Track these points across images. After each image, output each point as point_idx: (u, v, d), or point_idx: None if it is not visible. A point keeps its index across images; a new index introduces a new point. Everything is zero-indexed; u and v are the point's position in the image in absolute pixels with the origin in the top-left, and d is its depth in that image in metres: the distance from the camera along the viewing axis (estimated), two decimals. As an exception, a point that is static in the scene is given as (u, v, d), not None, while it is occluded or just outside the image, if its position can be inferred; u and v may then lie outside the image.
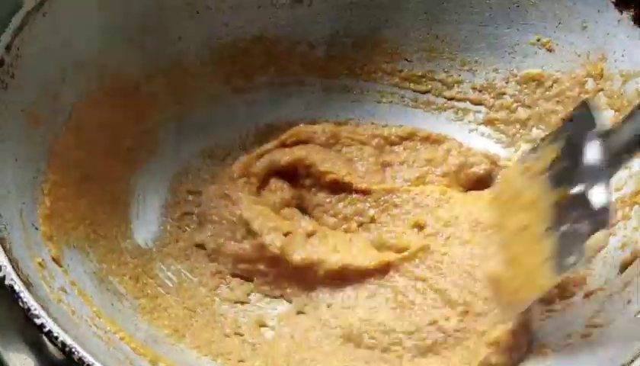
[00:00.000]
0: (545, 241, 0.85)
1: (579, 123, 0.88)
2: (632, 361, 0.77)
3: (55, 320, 0.75)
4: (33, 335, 0.92)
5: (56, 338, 0.74)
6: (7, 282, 0.75)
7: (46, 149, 0.91)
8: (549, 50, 1.04)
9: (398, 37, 1.10)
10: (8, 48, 0.86)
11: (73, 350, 0.73)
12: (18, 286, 0.75)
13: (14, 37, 0.87)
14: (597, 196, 0.81)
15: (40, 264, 0.82)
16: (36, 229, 0.86)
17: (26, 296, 0.75)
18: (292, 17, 1.08)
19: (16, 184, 0.86)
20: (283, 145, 1.06)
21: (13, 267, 0.77)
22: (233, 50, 1.08)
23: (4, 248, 0.78)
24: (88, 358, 0.73)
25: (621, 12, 0.97)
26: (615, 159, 0.82)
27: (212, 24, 1.06)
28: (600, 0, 0.98)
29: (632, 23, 0.96)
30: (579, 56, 1.02)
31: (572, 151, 0.86)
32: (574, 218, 0.83)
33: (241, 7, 1.06)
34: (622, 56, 0.98)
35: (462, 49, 1.09)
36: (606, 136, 0.83)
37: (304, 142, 1.06)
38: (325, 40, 1.10)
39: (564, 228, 0.84)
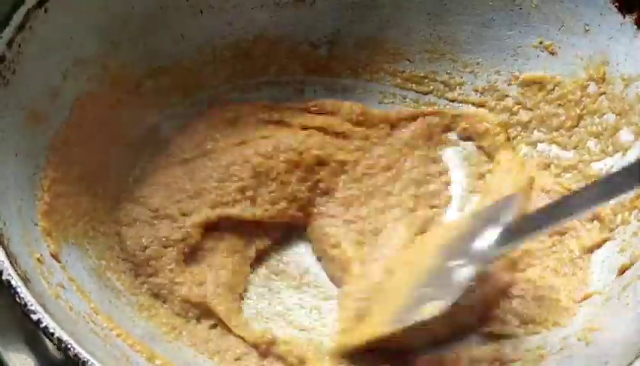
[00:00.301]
0: (405, 297, 0.90)
1: (500, 210, 0.91)
2: (629, 365, 0.77)
3: (52, 316, 0.75)
4: (33, 335, 0.93)
5: (52, 334, 0.74)
6: (4, 277, 0.75)
7: (46, 145, 0.91)
8: (551, 53, 1.04)
9: (400, 38, 1.09)
10: (9, 44, 0.87)
11: (69, 346, 0.73)
12: (15, 281, 0.75)
13: (16, 34, 0.87)
14: (458, 273, 0.87)
15: (38, 260, 0.83)
16: (35, 225, 0.86)
17: (23, 291, 0.75)
18: (295, 16, 1.08)
19: (15, 180, 0.86)
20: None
21: (10, 262, 0.77)
22: (235, 50, 1.08)
23: (2, 243, 0.78)
24: (84, 355, 0.73)
25: (624, 16, 0.97)
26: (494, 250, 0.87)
27: (215, 24, 1.06)
28: (603, 3, 0.98)
29: (635, 26, 0.96)
30: (581, 59, 1.02)
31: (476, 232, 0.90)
32: (435, 283, 0.89)
33: (243, 6, 1.06)
34: (625, 59, 0.98)
35: (464, 51, 1.08)
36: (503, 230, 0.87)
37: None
38: (327, 40, 1.10)
39: (418, 292, 0.89)
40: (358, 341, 0.92)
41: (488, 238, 0.88)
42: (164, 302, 0.94)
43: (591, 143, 1.01)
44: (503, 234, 0.86)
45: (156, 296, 0.95)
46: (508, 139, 1.07)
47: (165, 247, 0.96)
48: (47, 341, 0.83)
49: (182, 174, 1.01)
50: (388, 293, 0.93)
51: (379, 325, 0.90)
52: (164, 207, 0.98)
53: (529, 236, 0.88)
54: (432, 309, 0.85)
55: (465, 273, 0.87)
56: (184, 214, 0.98)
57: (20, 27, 0.88)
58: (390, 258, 0.97)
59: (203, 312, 0.95)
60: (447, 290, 0.86)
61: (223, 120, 1.06)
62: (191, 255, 0.98)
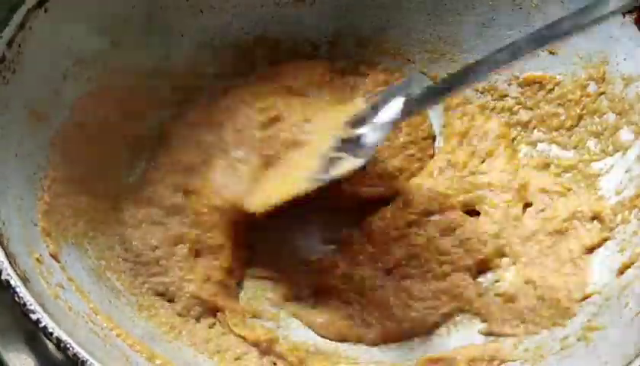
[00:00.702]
0: (317, 159, 0.94)
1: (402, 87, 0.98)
2: (629, 364, 0.77)
3: (51, 316, 0.75)
4: (33, 335, 0.93)
5: (51, 333, 0.74)
6: (3, 277, 0.76)
7: (47, 144, 0.91)
8: (551, 53, 1.04)
9: (401, 38, 1.09)
10: (9, 44, 0.87)
11: (68, 346, 0.73)
12: (14, 281, 0.76)
13: (16, 33, 0.87)
14: (370, 137, 0.92)
15: (37, 259, 0.83)
16: (35, 225, 0.86)
17: (22, 291, 0.75)
18: (295, 16, 1.08)
19: (15, 179, 0.86)
20: None
21: (10, 262, 0.77)
22: (236, 50, 1.08)
23: (1, 243, 0.78)
24: (83, 354, 0.73)
25: (624, 15, 0.96)
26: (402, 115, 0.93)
27: (215, 24, 1.06)
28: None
29: (635, 26, 0.96)
30: (581, 58, 1.02)
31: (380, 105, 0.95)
32: (346, 149, 0.93)
33: (244, 6, 1.06)
34: (624, 59, 0.98)
35: (464, 51, 1.08)
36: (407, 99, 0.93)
37: None
38: (328, 40, 1.10)
39: (334, 154, 0.94)
40: (274, 201, 0.94)
41: (394, 108, 0.92)
42: (171, 300, 0.95)
43: (591, 143, 1.01)
44: (407, 102, 0.92)
45: (161, 295, 0.95)
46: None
47: (176, 244, 0.97)
48: (47, 341, 0.83)
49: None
50: (303, 158, 0.97)
51: (297, 182, 0.94)
52: (175, 204, 0.99)
53: (431, 103, 0.98)
54: (346, 165, 0.91)
55: (372, 137, 0.92)
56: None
57: (21, 27, 0.88)
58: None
59: (208, 309, 0.95)
60: (359, 151, 0.92)
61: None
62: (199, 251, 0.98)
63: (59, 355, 0.92)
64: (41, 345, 0.93)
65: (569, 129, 1.03)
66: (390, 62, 1.10)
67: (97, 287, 0.90)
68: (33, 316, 0.74)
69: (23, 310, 0.75)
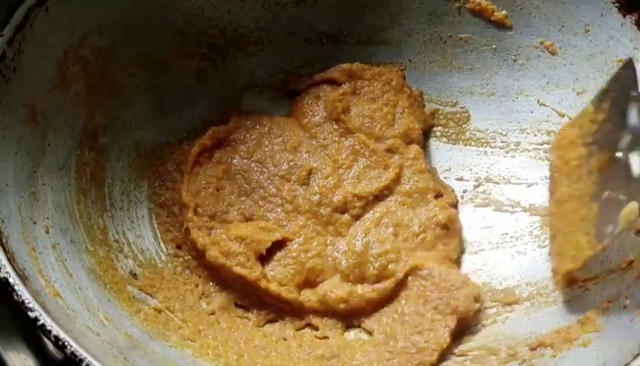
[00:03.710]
0: (589, 209, 0.84)
1: (624, 83, 0.87)
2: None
3: (49, 314, 0.75)
4: (33, 335, 0.93)
5: (49, 331, 0.74)
6: (1, 275, 0.76)
7: (47, 143, 0.92)
8: (552, 53, 1.04)
9: (401, 37, 1.10)
10: (10, 43, 0.87)
11: (66, 344, 0.74)
12: (13, 279, 0.76)
13: (16, 32, 0.88)
14: (636, 162, 0.80)
15: (36, 257, 0.83)
16: (35, 223, 0.86)
17: (20, 289, 0.76)
18: (296, 16, 1.08)
19: (15, 177, 0.86)
20: None
21: (8, 259, 0.77)
22: (236, 49, 1.08)
23: (0, 241, 0.78)
24: (81, 352, 0.73)
25: (624, 16, 0.96)
26: None
27: (216, 23, 1.06)
28: (604, 4, 0.98)
29: (635, 27, 0.96)
30: (582, 59, 1.02)
31: (617, 113, 0.85)
32: (614, 185, 0.82)
33: (245, 5, 1.06)
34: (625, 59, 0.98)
35: (464, 51, 1.08)
36: None
37: None
38: (329, 40, 1.10)
39: (605, 195, 0.82)
40: (575, 267, 0.90)
41: (634, 116, 0.83)
42: None
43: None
44: None
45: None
46: None
47: None
48: (47, 341, 0.83)
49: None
50: (570, 217, 0.88)
51: (586, 247, 0.86)
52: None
53: None
54: (630, 210, 0.79)
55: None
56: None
57: (21, 26, 0.88)
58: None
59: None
60: (634, 185, 0.79)
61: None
62: None
63: (58, 355, 0.93)
64: (41, 345, 0.93)
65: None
66: (390, 62, 1.11)
67: (96, 285, 0.90)
68: (32, 314, 0.75)
69: (21, 308, 0.75)
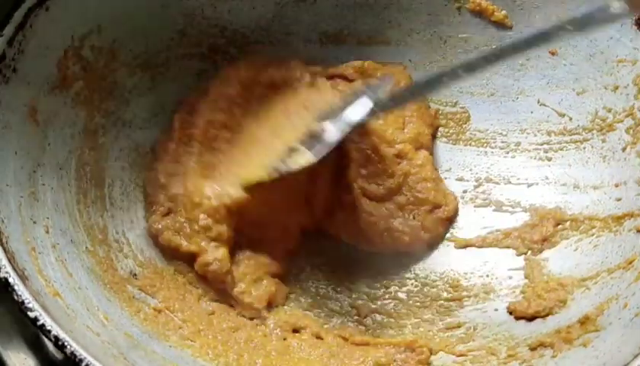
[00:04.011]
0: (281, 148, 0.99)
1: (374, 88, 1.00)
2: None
3: (49, 314, 0.75)
4: (33, 335, 0.93)
5: (49, 331, 0.74)
6: (1, 275, 0.76)
7: (47, 143, 0.92)
8: (552, 53, 1.04)
9: (401, 37, 1.09)
10: (10, 42, 0.87)
11: (66, 344, 0.74)
12: (13, 278, 0.76)
13: (17, 32, 0.87)
14: (329, 135, 0.96)
15: (36, 257, 0.83)
16: (35, 223, 0.86)
17: (20, 289, 0.75)
18: (296, 15, 1.08)
19: (16, 177, 0.86)
20: None
21: (8, 259, 0.77)
22: (236, 48, 1.08)
23: (0, 241, 0.78)
24: (80, 352, 0.73)
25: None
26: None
27: (216, 22, 1.06)
28: (604, 4, 0.97)
29: (635, 27, 0.96)
30: (582, 59, 1.02)
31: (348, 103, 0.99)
32: (307, 142, 0.97)
33: (245, 5, 1.06)
34: (625, 59, 0.99)
35: (464, 51, 1.08)
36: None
37: None
38: (329, 39, 1.10)
39: (295, 145, 0.98)
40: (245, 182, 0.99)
41: (359, 109, 0.96)
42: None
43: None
44: (374, 105, 0.96)
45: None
46: None
47: None
48: (47, 341, 0.83)
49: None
50: (266, 145, 1.01)
51: (258, 170, 0.98)
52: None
53: (395, 108, 1.02)
54: (301, 159, 0.94)
55: (331, 135, 0.96)
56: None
57: (21, 26, 0.88)
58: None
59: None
60: (317, 147, 0.95)
61: None
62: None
63: (58, 355, 0.93)
64: (41, 345, 0.93)
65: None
66: (390, 62, 1.10)
67: (95, 285, 0.90)
68: (32, 314, 0.75)
69: (21, 308, 0.75)
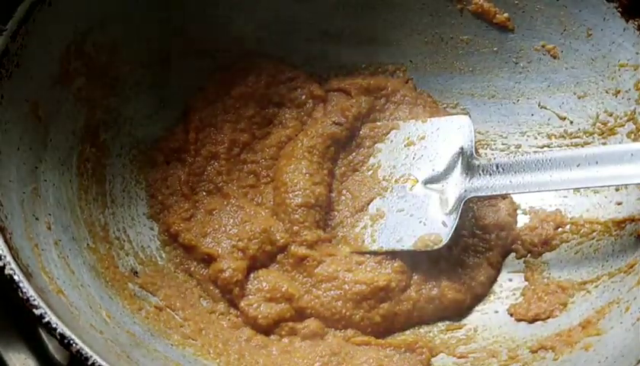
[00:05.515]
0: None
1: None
2: (628, 369, 0.78)
3: (53, 311, 0.75)
4: (33, 336, 0.93)
5: (55, 329, 0.73)
6: (6, 272, 0.75)
7: (49, 139, 0.91)
8: (554, 57, 1.04)
9: (403, 38, 1.09)
10: (13, 37, 0.86)
11: (72, 342, 0.73)
12: (18, 275, 0.75)
13: (20, 27, 0.87)
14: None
15: (39, 254, 0.82)
16: (37, 219, 0.86)
17: (25, 286, 0.75)
18: (296, 15, 1.08)
19: (18, 173, 0.86)
20: None
21: (13, 256, 0.77)
22: (236, 47, 1.08)
23: (4, 237, 0.78)
24: (87, 351, 0.73)
25: (627, 21, 0.97)
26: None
27: (216, 21, 1.06)
28: (606, 8, 0.98)
29: (638, 32, 0.96)
30: (584, 62, 1.02)
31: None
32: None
33: (245, 4, 1.06)
34: (627, 63, 0.99)
35: (466, 53, 1.08)
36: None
37: None
38: (329, 39, 1.10)
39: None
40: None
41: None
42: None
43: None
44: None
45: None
46: None
47: None
48: (47, 341, 0.83)
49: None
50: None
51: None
52: None
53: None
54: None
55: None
56: None
57: (24, 21, 0.87)
58: None
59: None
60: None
61: None
62: None
63: (58, 355, 0.92)
64: (41, 345, 0.93)
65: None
66: (391, 63, 1.11)
67: (98, 283, 0.89)
68: (37, 311, 0.74)
69: (26, 306, 0.74)
